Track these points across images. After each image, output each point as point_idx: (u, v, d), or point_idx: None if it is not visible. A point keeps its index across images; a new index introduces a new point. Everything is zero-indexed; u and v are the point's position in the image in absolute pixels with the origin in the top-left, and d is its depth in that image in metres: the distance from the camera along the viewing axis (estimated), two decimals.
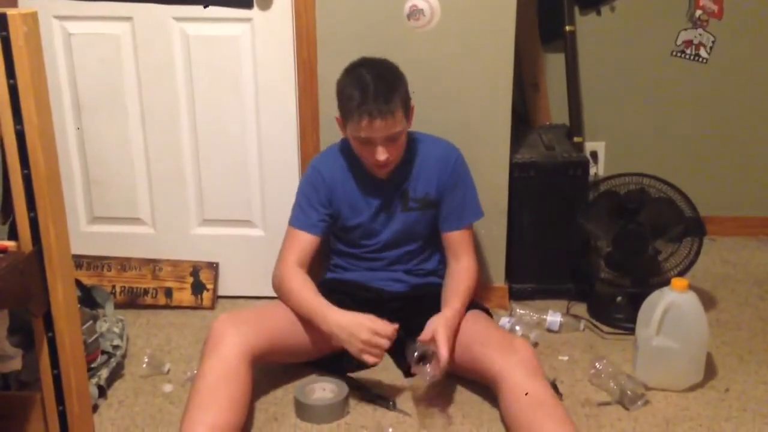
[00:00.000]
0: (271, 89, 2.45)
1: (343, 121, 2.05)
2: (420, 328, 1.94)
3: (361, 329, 1.90)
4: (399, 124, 1.98)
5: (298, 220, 2.16)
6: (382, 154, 1.99)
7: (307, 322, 2.04)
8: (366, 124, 1.95)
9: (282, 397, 2.08)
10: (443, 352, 1.87)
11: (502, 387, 1.84)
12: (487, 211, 2.27)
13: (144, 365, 2.20)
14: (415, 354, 1.90)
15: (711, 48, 3.02)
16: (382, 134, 1.96)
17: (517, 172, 2.51)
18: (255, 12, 2.38)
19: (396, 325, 1.92)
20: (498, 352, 1.89)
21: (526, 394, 1.78)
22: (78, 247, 2.49)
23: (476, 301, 2.19)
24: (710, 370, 2.15)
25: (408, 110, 2.05)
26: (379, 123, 1.94)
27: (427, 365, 1.89)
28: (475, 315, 2.08)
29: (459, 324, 2.01)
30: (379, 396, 2.04)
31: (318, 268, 2.32)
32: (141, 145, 2.55)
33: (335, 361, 2.10)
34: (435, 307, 2.04)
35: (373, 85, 1.95)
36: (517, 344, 1.91)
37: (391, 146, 2.01)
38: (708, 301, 2.59)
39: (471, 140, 2.34)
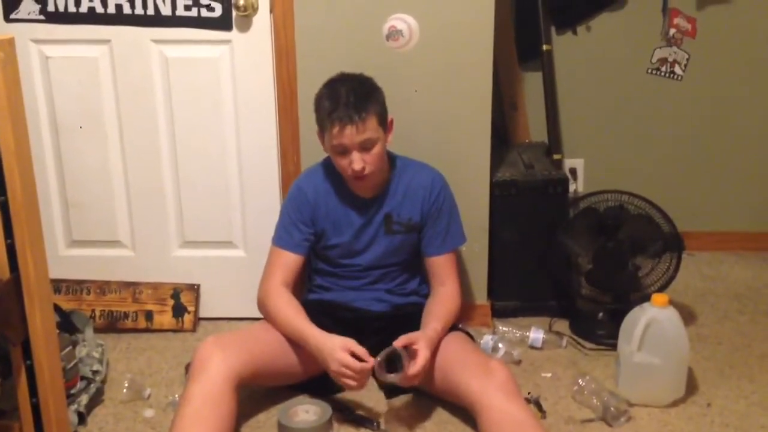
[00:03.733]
0: (250, 110, 2.45)
1: (321, 134, 2.06)
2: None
3: (331, 360, 1.89)
4: (372, 132, 1.98)
5: (282, 239, 2.16)
6: (357, 163, 1.99)
7: (293, 344, 2.03)
8: (337, 131, 1.96)
9: (265, 420, 2.06)
10: (419, 361, 1.87)
11: (481, 411, 1.84)
12: (468, 230, 2.28)
13: (124, 390, 2.17)
14: (386, 353, 1.88)
15: (685, 65, 3.06)
16: (353, 140, 1.97)
17: (498, 191, 2.52)
18: (234, 34, 2.38)
19: (370, 365, 1.89)
20: (475, 376, 1.89)
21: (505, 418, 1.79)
22: (56, 272, 2.46)
23: (456, 324, 2.19)
24: (692, 385, 2.16)
25: (384, 121, 2.06)
26: (349, 129, 1.95)
27: (393, 374, 1.88)
28: (453, 337, 2.08)
29: (439, 346, 2.00)
30: (363, 417, 2.03)
31: (301, 287, 2.31)
32: (120, 168, 2.53)
33: (320, 382, 2.08)
34: (417, 326, 2.04)
35: (345, 94, 1.97)
36: (493, 367, 1.91)
37: (367, 155, 2.00)
38: (688, 316, 2.61)
39: (451, 160, 2.35)
